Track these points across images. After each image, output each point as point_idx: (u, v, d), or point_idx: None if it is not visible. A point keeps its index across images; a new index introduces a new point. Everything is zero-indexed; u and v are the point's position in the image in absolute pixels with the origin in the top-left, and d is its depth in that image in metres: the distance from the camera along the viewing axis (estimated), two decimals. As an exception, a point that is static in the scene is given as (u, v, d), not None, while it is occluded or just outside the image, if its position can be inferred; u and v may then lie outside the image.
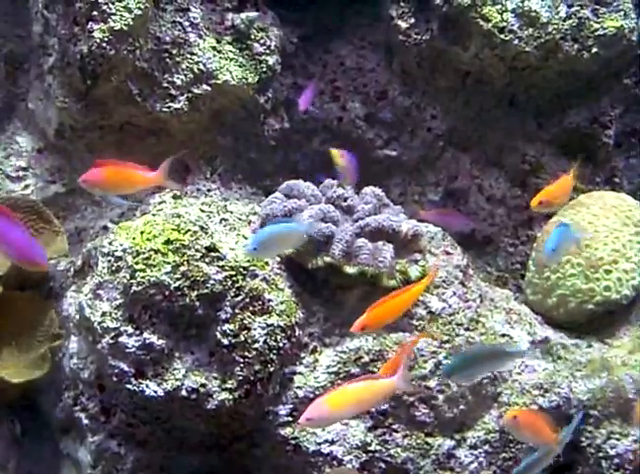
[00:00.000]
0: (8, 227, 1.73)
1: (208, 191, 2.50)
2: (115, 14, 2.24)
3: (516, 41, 2.51)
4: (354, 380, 1.85)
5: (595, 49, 2.54)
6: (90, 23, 2.24)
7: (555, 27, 2.51)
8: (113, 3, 2.24)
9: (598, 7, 2.55)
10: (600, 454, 2.17)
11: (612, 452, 2.16)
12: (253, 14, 2.49)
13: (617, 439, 2.16)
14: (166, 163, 2.09)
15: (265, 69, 2.52)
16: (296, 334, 2.17)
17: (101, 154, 2.44)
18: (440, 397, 2.17)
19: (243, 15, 2.48)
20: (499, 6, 2.49)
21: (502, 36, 2.50)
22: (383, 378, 1.84)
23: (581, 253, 2.40)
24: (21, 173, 2.55)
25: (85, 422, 2.20)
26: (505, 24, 2.49)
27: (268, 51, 2.52)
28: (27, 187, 2.53)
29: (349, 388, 1.80)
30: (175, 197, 2.37)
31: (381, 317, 1.93)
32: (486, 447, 2.17)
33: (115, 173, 2.07)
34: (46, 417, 2.31)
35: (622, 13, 2.55)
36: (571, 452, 2.19)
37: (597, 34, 2.53)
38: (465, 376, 1.95)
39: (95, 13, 2.23)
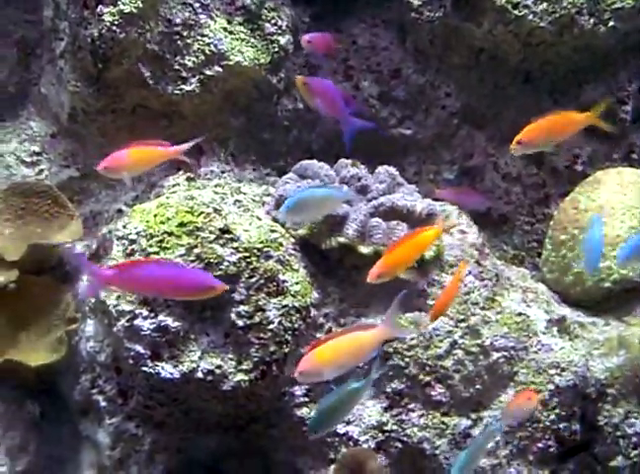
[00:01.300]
0: (176, 270, 1.81)
1: (222, 172, 2.49)
2: (124, -4, 2.24)
3: (530, 17, 2.47)
4: (341, 332, 1.84)
5: (611, 23, 2.50)
6: (100, 6, 2.23)
7: (570, 1, 2.47)
8: (122, -15, 2.23)
9: (614, -21, 2.51)
10: (618, 433, 2.16)
11: (630, 431, 2.14)
12: None
13: (635, 418, 2.16)
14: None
15: (277, 49, 2.50)
16: (311, 314, 2.17)
17: (114, 137, 2.45)
18: (457, 376, 2.17)
19: None
20: (513, -19, 2.46)
21: (516, 11, 2.46)
22: (370, 329, 1.83)
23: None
24: (35, 158, 2.55)
25: (103, 404, 2.22)
26: (519, -1, 2.46)
27: (279, 31, 2.51)
28: (41, 171, 2.54)
29: (338, 340, 1.80)
30: (189, 179, 2.37)
31: (396, 263, 1.93)
32: (503, 427, 2.17)
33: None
34: (65, 400, 2.32)
35: (640, -16, 2.51)
36: (588, 431, 2.18)
37: (614, 7, 2.48)
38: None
39: (104, -4, 2.23)
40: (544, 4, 2.47)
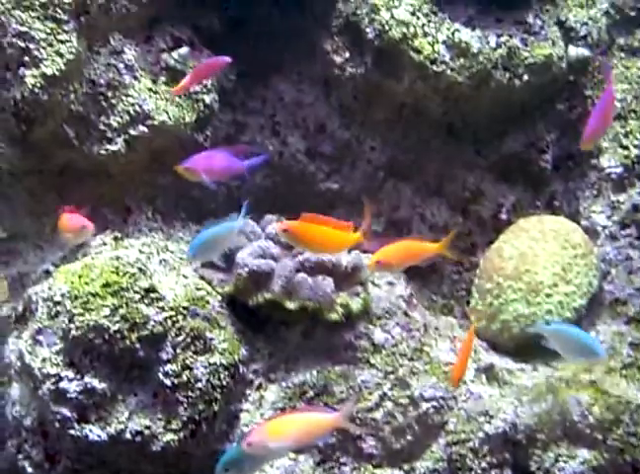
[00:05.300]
0: None
1: (150, 230, 2.49)
2: (46, 59, 2.23)
3: (448, 72, 2.54)
4: (299, 410, 1.86)
5: (526, 77, 2.59)
6: (21, 68, 2.23)
7: (486, 56, 2.55)
8: (44, 48, 2.23)
9: (526, 36, 2.59)
10: (549, 478, 2.18)
11: (560, 475, 2.17)
12: (184, 50, 2.50)
13: (565, 462, 2.18)
14: None
15: (202, 108, 2.52)
16: (240, 371, 2.17)
17: (42, 198, 2.44)
18: (387, 428, 2.18)
19: (174, 53, 2.49)
20: (430, 38, 2.52)
21: (434, 67, 2.53)
22: (327, 413, 1.85)
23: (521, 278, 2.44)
24: (-40, 220, 2.52)
25: (29, 470, 2.17)
26: (436, 55, 2.52)
27: (204, 90, 2.53)
28: (-33, 234, 2.51)
29: (292, 418, 1.82)
30: (116, 238, 2.37)
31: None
32: (435, 476, 2.19)
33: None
34: (-9, 466, 2.28)
35: (550, 41, 2.60)
36: (519, 477, 2.21)
37: (527, 62, 2.58)
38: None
39: (26, 58, 2.22)
40: (461, 60, 2.54)
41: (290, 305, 2.18)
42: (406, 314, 2.33)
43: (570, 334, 2.08)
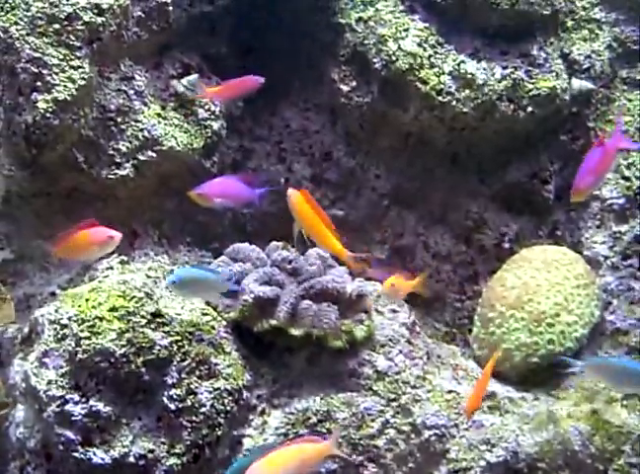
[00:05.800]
0: None
1: (156, 255, 2.51)
2: (58, 84, 2.27)
3: (453, 103, 2.58)
4: (290, 443, 1.87)
5: (530, 109, 2.62)
6: (34, 93, 2.27)
7: (491, 88, 2.59)
8: (56, 74, 2.27)
9: (531, 68, 2.63)
10: (550, 508, 2.19)
11: (561, 505, 2.18)
12: (193, 76, 2.53)
13: (566, 492, 2.19)
14: None
15: (210, 134, 2.56)
16: (244, 397, 2.18)
17: (49, 220, 2.46)
18: (389, 456, 2.19)
19: (184, 80, 2.53)
20: (436, 69, 2.56)
21: (439, 97, 2.57)
22: (318, 442, 1.86)
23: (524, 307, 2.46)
24: (-32, 241, 2.54)
25: (32, 492, 2.18)
26: (442, 86, 2.56)
27: (212, 117, 2.57)
28: (-26, 255, 2.53)
29: (284, 452, 1.83)
30: (122, 262, 2.38)
31: None
32: (436, 505, 2.19)
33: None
34: (-7, 488, 2.28)
35: (554, 74, 2.64)
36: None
37: (531, 94, 2.62)
38: None
39: (39, 84, 2.26)
40: (467, 91, 2.58)
41: (295, 332, 2.20)
42: (409, 342, 2.35)
43: (614, 365, 2.07)
